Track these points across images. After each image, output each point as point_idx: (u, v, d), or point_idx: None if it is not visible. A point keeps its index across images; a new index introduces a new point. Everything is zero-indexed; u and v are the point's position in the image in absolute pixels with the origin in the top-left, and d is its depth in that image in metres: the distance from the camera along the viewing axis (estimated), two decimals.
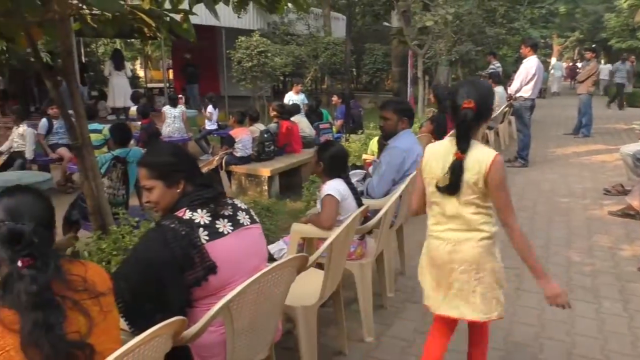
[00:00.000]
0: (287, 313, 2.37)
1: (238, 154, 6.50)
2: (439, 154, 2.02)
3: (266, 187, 6.37)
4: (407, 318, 3.27)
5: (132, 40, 21.74)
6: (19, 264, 1.31)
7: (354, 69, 19.57)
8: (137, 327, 1.74)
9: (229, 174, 6.63)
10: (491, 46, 13.25)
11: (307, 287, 2.51)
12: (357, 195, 3.08)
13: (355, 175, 3.19)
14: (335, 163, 3.02)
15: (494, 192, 1.93)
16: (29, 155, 6.70)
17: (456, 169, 1.92)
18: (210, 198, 1.87)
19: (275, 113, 7.01)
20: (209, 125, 9.32)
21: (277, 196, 6.20)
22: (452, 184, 1.94)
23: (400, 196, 3.28)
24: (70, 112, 3.23)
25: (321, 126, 8.04)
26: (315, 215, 2.99)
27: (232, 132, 6.68)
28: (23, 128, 6.74)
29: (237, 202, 2.01)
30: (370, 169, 3.93)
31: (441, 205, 2.02)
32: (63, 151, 7.02)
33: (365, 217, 3.03)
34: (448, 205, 2.00)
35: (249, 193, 6.42)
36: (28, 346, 1.29)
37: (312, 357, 2.44)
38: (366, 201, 3.26)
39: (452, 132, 2.10)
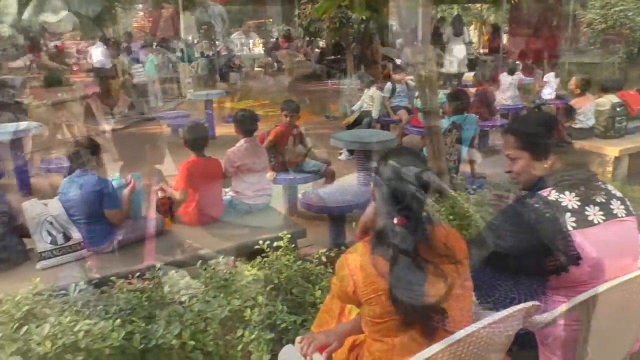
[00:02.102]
0: None
1: (577, 126, 5.83)
2: None
3: (610, 169, 5.55)
4: None
5: (470, 5, 21.66)
6: (395, 220, 1.42)
7: None
8: (484, 299, 1.73)
9: None
10: None
11: None
12: None
13: None
14: None
15: None
16: (375, 115, 7.47)
17: None
18: (582, 180, 1.68)
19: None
20: (546, 95, 8.61)
21: (623, 181, 5.34)
22: None
23: None
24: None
25: None
26: None
27: (573, 102, 5.99)
28: (373, 90, 7.53)
29: (611, 188, 1.75)
30: None
31: None
32: (402, 113, 7.60)
33: None
34: None
35: None
36: (393, 296, 1.42)
37: None
38: None
39: None
